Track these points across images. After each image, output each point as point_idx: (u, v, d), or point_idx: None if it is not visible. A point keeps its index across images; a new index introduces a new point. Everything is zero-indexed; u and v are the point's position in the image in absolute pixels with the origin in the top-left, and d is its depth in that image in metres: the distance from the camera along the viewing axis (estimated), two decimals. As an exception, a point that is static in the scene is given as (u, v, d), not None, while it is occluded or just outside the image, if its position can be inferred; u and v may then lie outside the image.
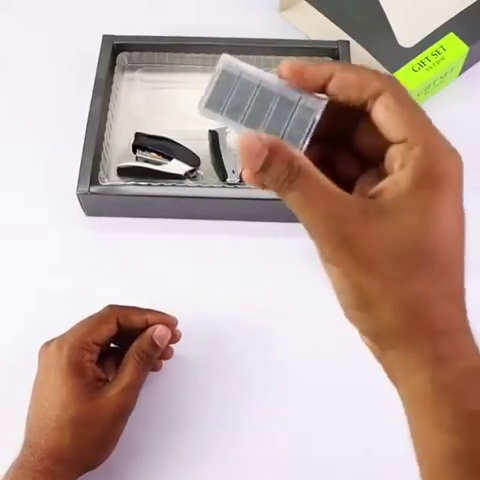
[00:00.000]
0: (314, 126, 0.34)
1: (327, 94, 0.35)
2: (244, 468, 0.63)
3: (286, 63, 0.34)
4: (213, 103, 0.35)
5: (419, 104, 0.36)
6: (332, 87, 0.34)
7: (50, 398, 0.54)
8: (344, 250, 0.32)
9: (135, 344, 0.57)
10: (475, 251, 0.72)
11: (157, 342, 0.57)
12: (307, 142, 0.34)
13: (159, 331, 0.57)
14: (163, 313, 0.61)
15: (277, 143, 0.32)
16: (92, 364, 0.56)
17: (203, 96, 0.35)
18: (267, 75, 0.35)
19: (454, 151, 0.35)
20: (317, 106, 0.34)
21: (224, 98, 0.35)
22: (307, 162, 0.32)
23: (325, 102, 0.34)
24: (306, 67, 0.34)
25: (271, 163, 0.32)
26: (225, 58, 0.36)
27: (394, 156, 0.33)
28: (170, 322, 0.60)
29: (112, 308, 0.59)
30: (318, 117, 0.34)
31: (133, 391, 0.55)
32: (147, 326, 0.59)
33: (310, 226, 0.32)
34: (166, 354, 0.62)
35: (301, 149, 0.34)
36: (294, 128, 0.34)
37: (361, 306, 0.33)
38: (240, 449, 0.63)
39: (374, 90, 0.34)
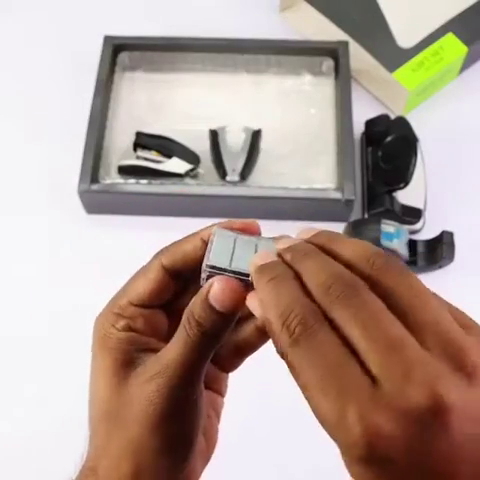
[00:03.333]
0: None
1: None
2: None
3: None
4: (217, 259, 0.34)
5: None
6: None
7: (89, 389, 0.37)
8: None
9: (189, 305, 0.34)
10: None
11: (214, 304, 0.32)
12: None
13: (216, 288, 0.33)
14: (232, 221, 0.36)
15: None
16: (128, 333, 0.35)
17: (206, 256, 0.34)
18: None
19: None
20: None
21: (227, 253, 0.34)
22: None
23: None
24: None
25: None
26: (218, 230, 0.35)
27: None
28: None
29: (158, 252, 0.37)
30: None
31: (178, 379, 0.33)
32: None
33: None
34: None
35: None
36: None
37: None
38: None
39: None
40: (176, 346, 0.33)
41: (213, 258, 0.33)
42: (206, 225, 0.36)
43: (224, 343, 0.36)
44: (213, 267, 0.33)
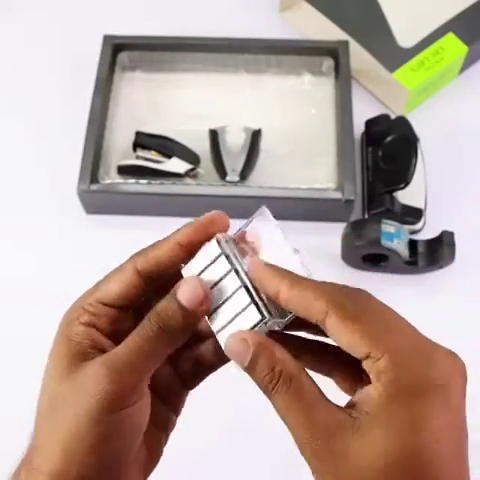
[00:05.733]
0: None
1: None
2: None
3: (252, 264, 0.35)
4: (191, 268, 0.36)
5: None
6: (281, 303, 0.34)
7: (43, 376, 0.37)
8: (322, 466, 0.31)
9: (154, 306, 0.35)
10: None
11: (183, 302, 0.34)
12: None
13: (184, 287, 0.34)
14: (204, 219, 0.41)
15: (263, 344, 0.32)
16: (88, 328, 0.36)
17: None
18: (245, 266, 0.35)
19: (447, 355, 0.32)
20: (279, 323, 0.34)
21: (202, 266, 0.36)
22: (292, 366, 0.32)
23: (284, 320, 0.34)
24: (262, 275, 0.34)
25: (255, 364, 0.32)
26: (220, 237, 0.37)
27: (367, 370, 0.32)
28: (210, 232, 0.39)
29: (134, 254, 0.38)
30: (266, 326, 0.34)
31: (129, 373, 0.33)
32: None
33: (291, 431, 0.32)
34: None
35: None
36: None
37: None
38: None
39: (318, 313, 0.32)
40: (129, 341, 0.34)
41: (189, 265, 0.36)
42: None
43: (186, 358, 0.39)
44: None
